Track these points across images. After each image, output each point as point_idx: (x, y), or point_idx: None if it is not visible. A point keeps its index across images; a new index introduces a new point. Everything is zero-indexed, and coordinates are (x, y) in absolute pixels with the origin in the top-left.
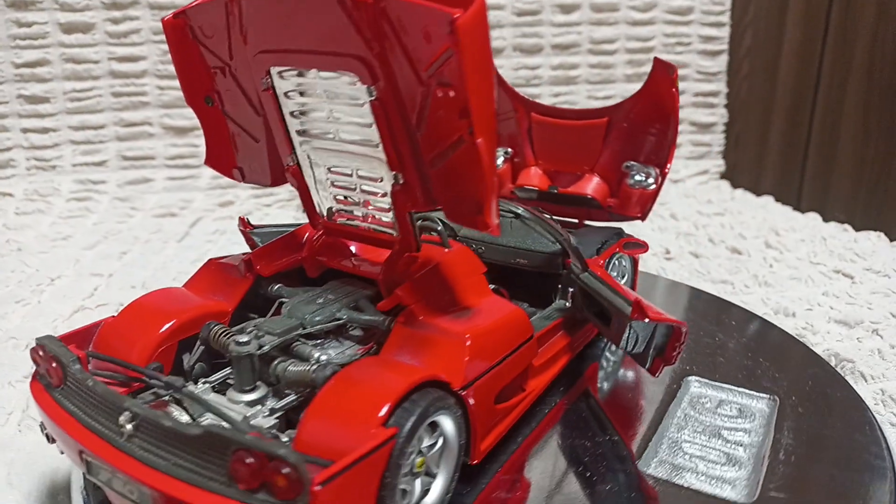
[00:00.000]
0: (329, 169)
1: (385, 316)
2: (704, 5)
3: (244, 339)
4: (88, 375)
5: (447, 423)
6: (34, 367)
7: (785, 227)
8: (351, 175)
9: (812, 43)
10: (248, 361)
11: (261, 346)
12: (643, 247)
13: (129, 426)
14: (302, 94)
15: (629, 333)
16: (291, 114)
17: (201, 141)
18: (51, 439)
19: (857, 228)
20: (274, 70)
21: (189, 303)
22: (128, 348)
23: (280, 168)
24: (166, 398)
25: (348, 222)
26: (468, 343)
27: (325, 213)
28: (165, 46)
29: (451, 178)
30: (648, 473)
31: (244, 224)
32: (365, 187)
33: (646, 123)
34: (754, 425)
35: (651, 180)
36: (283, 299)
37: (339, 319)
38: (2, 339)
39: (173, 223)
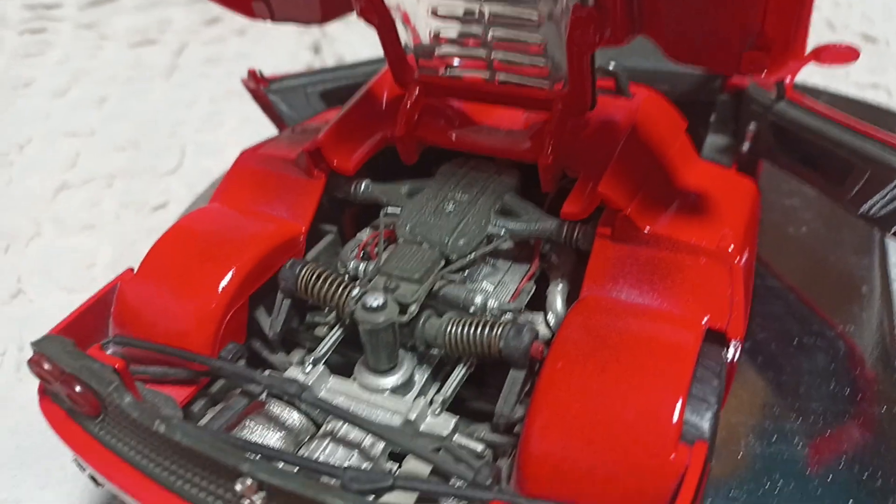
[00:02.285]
0: None
1: (554, 218)
2: None
3: (377, 300)
4: (157, 413)
5: None
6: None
7: None
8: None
9: None
10: (388, 333)
11: (402, 308)
12: (851, 53)
13: (256, 500)
14: None
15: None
16: None
17: None
18: (97, 482)
19: None
20: None
21: (245, 233)
22: (175, 322)
23: None
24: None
25: (461, 73)
26: (738, 266)
27: (421, 63)
28: None
29: None
30: None
31: (256, 79)
32: (502, 14)
33: None
34: None
35: None
36: (390, 209)
37: (492, 239)
38: None
39: (154, 54)
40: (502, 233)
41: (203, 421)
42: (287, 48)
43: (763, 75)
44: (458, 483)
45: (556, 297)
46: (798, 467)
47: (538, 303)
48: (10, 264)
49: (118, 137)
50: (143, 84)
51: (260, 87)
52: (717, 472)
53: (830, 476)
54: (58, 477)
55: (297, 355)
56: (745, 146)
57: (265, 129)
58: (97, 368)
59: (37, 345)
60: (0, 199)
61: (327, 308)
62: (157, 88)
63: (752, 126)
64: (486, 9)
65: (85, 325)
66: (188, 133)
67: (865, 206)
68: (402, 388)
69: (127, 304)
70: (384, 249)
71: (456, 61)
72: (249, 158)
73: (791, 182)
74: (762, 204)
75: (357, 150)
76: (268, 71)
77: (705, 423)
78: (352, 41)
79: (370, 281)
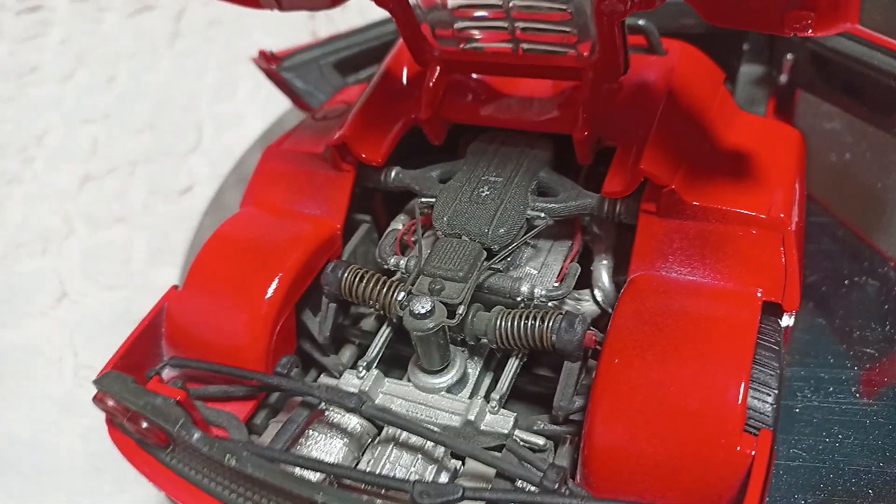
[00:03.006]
0: None
1: (595, 194)
2: None
3: (425, 305)
4: (227, 448)
5: None
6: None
7: None
8: None
9: None
10: (438, 336)
11: (451, 311)
12: None
13: None
14: None
15: None
16: None
17: None
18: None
19: None
20: None
21: (284, 238)
22: (227, 338)
23: None
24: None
25: (484, 46)
26: (790, 232)
27: (439, 34)
28: None
29: None
30: None
31: (267, 59)
32: None
33: None
34: None
35: None
36: (426, 199)
37: (532, 222)
38: (8, 247)
39: (154, 20)
40: (542, 215)
41: (266, 434)
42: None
43: (812, 33)
44: (527, 487)
45: (602, 272)
46: (857, 418)
47: (584, 278)
48: (49, 267)
49: (133, 119)
50: (149, 56)
51: (272, 66)
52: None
53: (892, 424)
54: (134, 480)
55: (347, 353)
56: (783, 78)
57: (280, 94)
58: (161, 405)
59: (98, 383)
60: (28, 196)
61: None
62: (164, 59)
63: (789, 56)
64: None
65: (142, 350)
66: (203, 106)
67: None
68: (458, 386)
69: (177, 323)
70: (422, 239)
71: (476, 33)
72: (275, 156)
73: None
74: (801, 129)
75: (383, 138)
76: (270, 28)
77: (768, 409)
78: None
79: (414, 283)
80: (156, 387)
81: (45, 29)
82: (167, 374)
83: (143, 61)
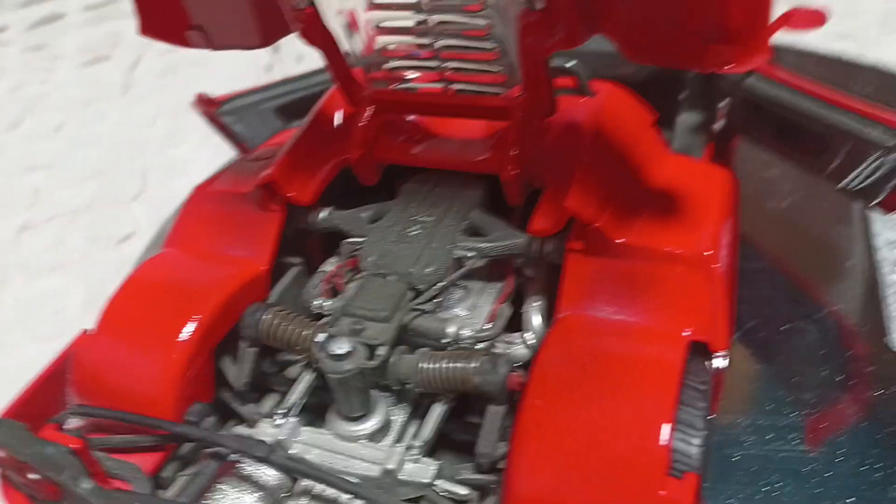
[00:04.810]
0: (371, 1)
1: (524, 233)
2: None
3: (343, 346)
4: (123, 501)
5: None
6: None
7: None
8: (420, 7)
9: None
10: (358, 380)
11: (372, 353)
12: (819, 17)
13: None
14: None
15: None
16: None
17: None
18: None
19: None
20: None
21: (204, 280)
22: (137, 384)
23: (271, 16)
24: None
25: (415, 87)
26: (718, 271)
27: (371, 77)
28: None
29: None
30: None
31: (206, 104)
32: (450, 24)
33: None
34: None
35: None
36: (353, 239)
37: (461, 261)
38: None
39: (108, 70)
40: (471, 254)
41: (173, 489)
42: (243, 52)
43: (730, 69)
44: None
45: (534, 315)
46: (795, 466)
47: (516, 321)
48: None
49: (79, 167)
50: (100, 105)
51: (210, 109)
52: (711, 478)
53: (830, 472)
54: None
55: (268, 402)
56: (719, 124)
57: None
58: (52, 454)
59: None
60: None
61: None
62: (115, 108)
63: (724, 102)
64: (434, 19)
65: (44, 399)
66: (150, 154)
67: (847, 180)
68: (380, 433)
69: (84, 368)
70: (350, 282)
71: (407, 74)
72: (202, 196)
73: (768, 153)
74: (741, 177)
75: (313, 178)
76: (226, 77)
77: (694, 451)
78: None
79: (334, 324)
80: (50, 435)
81: None
82: (72, 424)
83: (93, 110)
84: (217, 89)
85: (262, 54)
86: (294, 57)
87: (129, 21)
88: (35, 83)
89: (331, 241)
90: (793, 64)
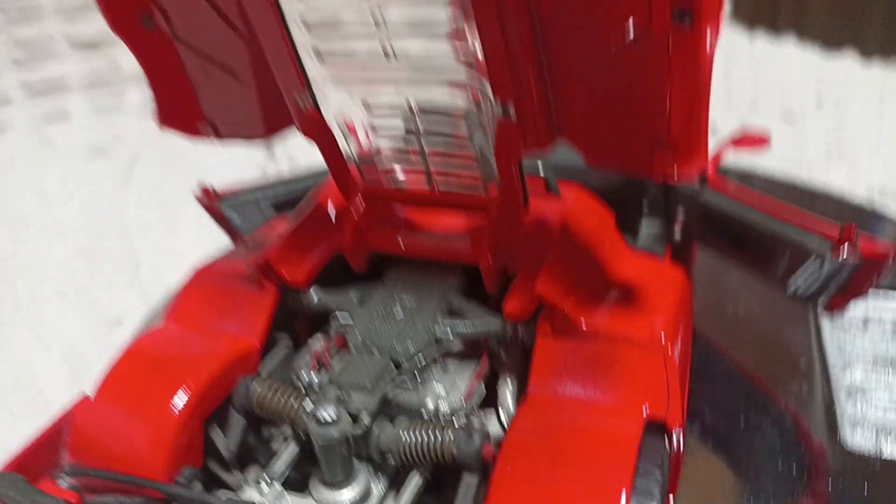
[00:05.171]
0: (367, 105)
1: (499, 317)
2: None
3: (329, 413)
4: None
5: None
6: None
7: (826, 78)
8: (409, 114)
9: None
10: (342, 446)
11: (355, 420)
12: (762, 140)
13: None
14: None
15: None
16: (305, 25)
17: (124, 54)
18: None
19: (834, 44)
20: None
21: (197, 352)
22: (129, 448)
23: (277, 112)
24: None
25: (400, 183)
26: (671, 353)
27: (364, 173)
28: None
29: (610, 95)
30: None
31: (209, 195)
32: (433, 128)
33: None
34: None
35: None
36: (344, 318)
37: (440, 341)
38: None
39: (106, 164)
40: (449, 334)
41: None
42: (240, 150)
43: (675, 174)
44: None
45: (506, 395)
46: None
47: (493, 399)
48: None
49: (72, 250)
50: (97, 195)
51: (214, 201)
52: None
53: None
54: None
55: (254, 472)
56: (677, 232)
57: (221, 234)
58: None
59: None
60: None
61: (283, 422)
62: (109, 198)
63: (681, 212)
64: (420, 125)
65: (41, 457)
66: (143, 243)
67: (790, 285)
68: (360, 502)
69: (81, 432)
70: (336, 357)
71: (396, 171)
72: (202, 276)
73: (724, 260)
74: (701, 285)
75: (307, 262)
76: (223, 175)
77: None
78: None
79: (323, 393)
80: (48, 487)
81: None
82: (64, 483)
83: (90, 200)
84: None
85: (255, 154)
86: (287, 157)
87: (130, 120)
88: (36, 173)
89: (317, 322)
90: (753, 185)
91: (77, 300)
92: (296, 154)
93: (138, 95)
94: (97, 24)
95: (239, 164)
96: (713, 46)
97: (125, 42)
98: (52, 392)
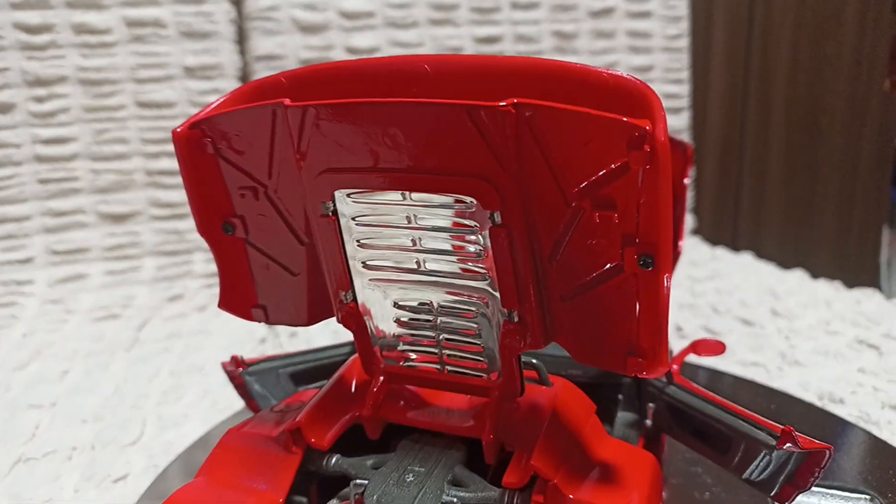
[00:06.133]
0: (396, 304)
1: (498, 488)
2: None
3: None
4: None
5: None
6: None
7: (779, 289)
8: (431, 312)
9: (734, 95)
10: None
11: None
12: (719, 347)
13: None
14: (374, 220)
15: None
16: (358, 243)
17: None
18: None
19: (787, 266)
20: (340, 192)
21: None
22: None
23: (320, 304)
24: None
25: (418, 365)
26: None
27: (385, 355)
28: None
29: (593, 313)
30: None
31: (237, 363)
32: (450, 324)
33: None
34: None
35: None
36: (360, 481)
37: None
38: None
39: (116, 327)
40: (455, 501)
41: None
42: (242, 322)
43: (644, 375)
44: None
45: None
46: None
47: None
48: None
49: (79, 408)
50: (105, 357)
51: (239, 369)
52: None
53: None
54: None
55: None
56: (648, 422)
57: (223, 401)
58: None
59: None
60: None
61: None
62: (119, 361)
63: (651, 405)
64: (440, 321)
65: None
66: (149, 406)
67: (747, 473)
68: None
69: None
70: None
71: (413, 355)
72: (234, 436)
73: (693, 451)
74: (671, 471)
75: (331, 428)
76: (222, 346)
77: None
78: None
79: None
80: None
81: (12, 322)
82: None
83: (98, 361)
84: (216, 356)
85: (258, 328)
86: (287, 333)
87: (142, 287)
88: (46, 332)
89: (328, 486)
90: (717, 382)
91: (83, 456)
92: (296, 330)
93: (155, 263)
94: (125, 202)
95: (241, 332)
96: (668, 283)
97: (207, 242)
98: None
